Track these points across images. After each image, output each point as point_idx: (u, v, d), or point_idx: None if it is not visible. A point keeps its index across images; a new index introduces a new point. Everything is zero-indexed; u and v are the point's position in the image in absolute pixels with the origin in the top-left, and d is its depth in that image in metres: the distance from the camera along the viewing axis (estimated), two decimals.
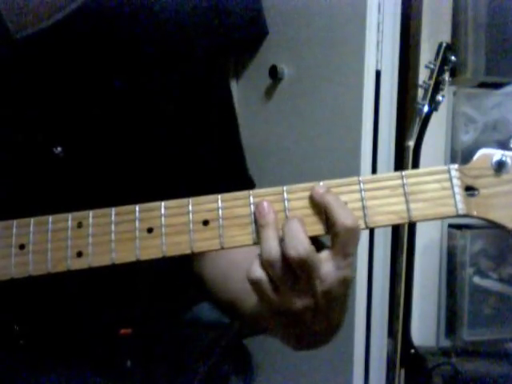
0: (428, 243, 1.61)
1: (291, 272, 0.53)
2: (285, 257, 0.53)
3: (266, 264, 0.54)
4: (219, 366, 0.83)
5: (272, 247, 0.53)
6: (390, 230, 1.42)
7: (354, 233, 0.53)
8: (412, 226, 1.29)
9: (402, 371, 1.32)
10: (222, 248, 0.55)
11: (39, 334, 0.72)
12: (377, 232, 1.41)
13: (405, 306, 1.29)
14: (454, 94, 1.58)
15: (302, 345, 0.61)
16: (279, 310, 0.56)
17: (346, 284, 0.55)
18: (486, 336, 1.59)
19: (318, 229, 0.55)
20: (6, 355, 0.71)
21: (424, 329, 1.62)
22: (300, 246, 0.52)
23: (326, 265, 0.53)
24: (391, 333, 1.36)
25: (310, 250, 0.52)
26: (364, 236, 1.41)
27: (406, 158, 1.28)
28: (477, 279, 1.58)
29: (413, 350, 1.34)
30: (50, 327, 0.73)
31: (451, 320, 1.61)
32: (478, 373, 1.53)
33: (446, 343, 1.62)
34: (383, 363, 1.44)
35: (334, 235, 0.54)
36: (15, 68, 0.69)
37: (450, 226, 1.61)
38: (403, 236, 1.29)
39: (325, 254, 0.54)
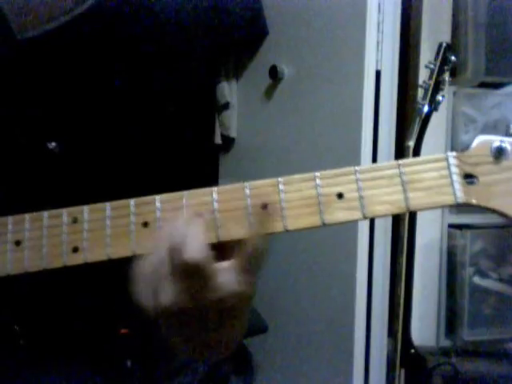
0: (428, 243, 1.60)
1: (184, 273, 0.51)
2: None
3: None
4: (219, 365, 0.83)
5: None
6: (389, 229, 1.41)
7: (260, 252, 0.51)
8: (412, 226, 1.29)
9: (402, 371, 1.31)
10: (218, 241, 0.54)
11: (39, 333, 0.72)
12: (377, 232, 1.41)
13: (405, 306, 1.29)
14: (454, 94, 1.58)
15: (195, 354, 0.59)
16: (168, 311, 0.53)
17: (245, 300, 0.52)
18: (485, 336, 1.58)
19: (313, 220, 0.53)
20: (6, 355, 0.71)
21: (424, 329, 1.61)
22: (196, 250, 0.50)
23: (223, 275, 0.51)
24: (391, 333, 1.36)
25: (205, 256, 0.50)
26: (364, 236, 1.41)
27: (406, 158, 1.28)
28: (477, 279, 1.58)
29: (413, 350, 1.33)
30: (49, 327, 0.73)
31: (451, 320, 1.61)
32: (478, 373, 1.53)
33: (446, 343, 1.62)
34: (383, 363, 1.44)
35: (240, 247, 0.52)
36: (16, 67, 0.69)
37: (450, 225, 1.61)
38: (403, 236, 1.29)
39: (225, 264, 0.52)
